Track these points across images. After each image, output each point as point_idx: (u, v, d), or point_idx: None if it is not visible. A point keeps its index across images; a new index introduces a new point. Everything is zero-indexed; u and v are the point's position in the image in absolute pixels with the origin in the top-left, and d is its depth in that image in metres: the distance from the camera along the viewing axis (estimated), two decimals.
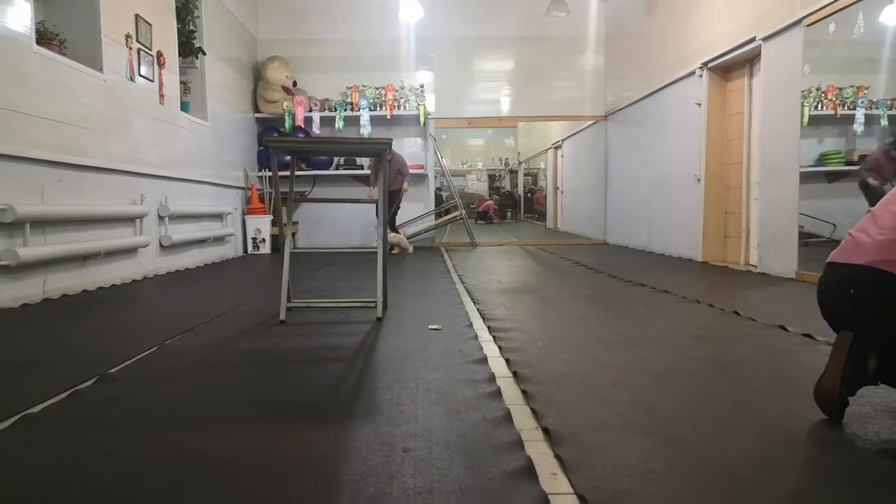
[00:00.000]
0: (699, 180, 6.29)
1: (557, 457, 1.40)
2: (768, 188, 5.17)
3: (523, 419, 1.67)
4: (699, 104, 6.28)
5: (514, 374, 2.12)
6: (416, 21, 8.87)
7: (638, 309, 3.47)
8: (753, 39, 5.30)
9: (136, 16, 5.10)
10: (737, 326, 2.95)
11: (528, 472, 1.31)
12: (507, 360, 2.31)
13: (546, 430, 1.56)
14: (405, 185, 8.09)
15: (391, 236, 7.01)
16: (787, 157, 4.88)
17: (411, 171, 8.81)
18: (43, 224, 3.91)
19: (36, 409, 1.77)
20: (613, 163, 9.25)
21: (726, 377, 2.09)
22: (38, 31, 3.95)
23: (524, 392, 1.90)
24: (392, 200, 7.37)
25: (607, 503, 1.17)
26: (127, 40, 4.93)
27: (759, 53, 5.30)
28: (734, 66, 5.99)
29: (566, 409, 1.72)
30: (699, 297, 3.82)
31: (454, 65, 9.18)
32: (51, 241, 3.99)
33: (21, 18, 3.74)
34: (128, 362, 2.32)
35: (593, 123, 9.76)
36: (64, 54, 4.21)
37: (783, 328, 2.85)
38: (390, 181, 6.73)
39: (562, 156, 13.34)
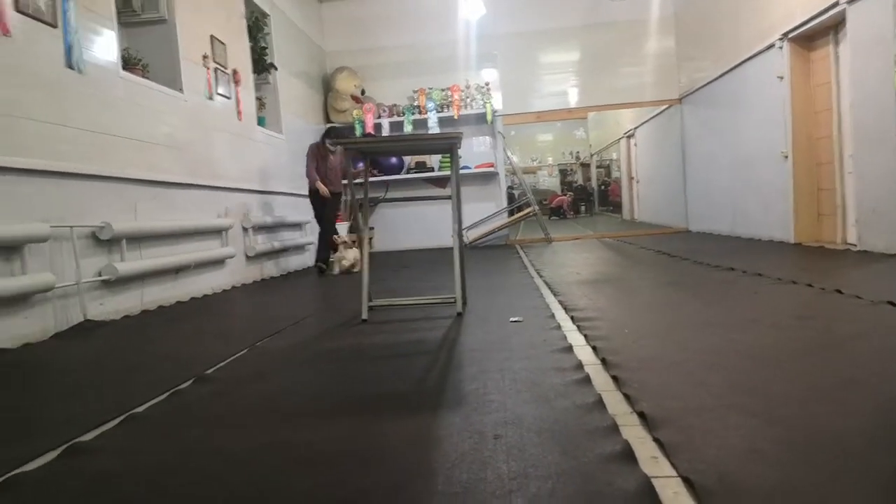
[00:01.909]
0: (786, 157, 5.95)
1: (656, 440, 1.34)
2: (864, 161, 4.82)
3: (616, 404, 1.61)
4: (781, 77, 5.95)
5: (603, 360, 2.05)
6: (479, 19, 8.85)
7: (729, 292, 3.31)
8: (837, 4, 4.96)
9: (212, 36, 5.32)
10: (841, 305, 2.76)
11: (627, 455, 1.26)
12: (594, 348, 2.24)
13: (642, 415, 1.50)
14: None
15: (340, 254, 6.10)
16: (884, 126, 4.53)
17: (480, 169, 8.79)
18: (138, 240, 4.12)
19: (140, 409, 1.85)
20: (691, 147, 8.90)
21: (833, 355, 1.95)
22: (122, 58, 4.18)
23: (614, 378, 1.84)
24: (332, 204, 6.29)
25: (715, 484, 1.10)
26: (204, 60, 5.15)
27: (844, 18, 4.96)
28: (817, 35, 5.63)
29: (661, 393, 1.65)
30: (795, 277, 3.60)
31: (519, 60, 9.10)
32: (145, 255, 4.20)
33: (108, 47, 3.97)
34: (221, 364, 2.40)
35: (667, 108, 9.44)
36: (147, 78, 4.44)
37: (893, 304, 2.64)
38: (332, 181, 6.19)
39: (635, 144, 12.98)
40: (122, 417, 1.77)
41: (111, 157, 3.91)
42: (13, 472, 1.39)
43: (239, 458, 1.43)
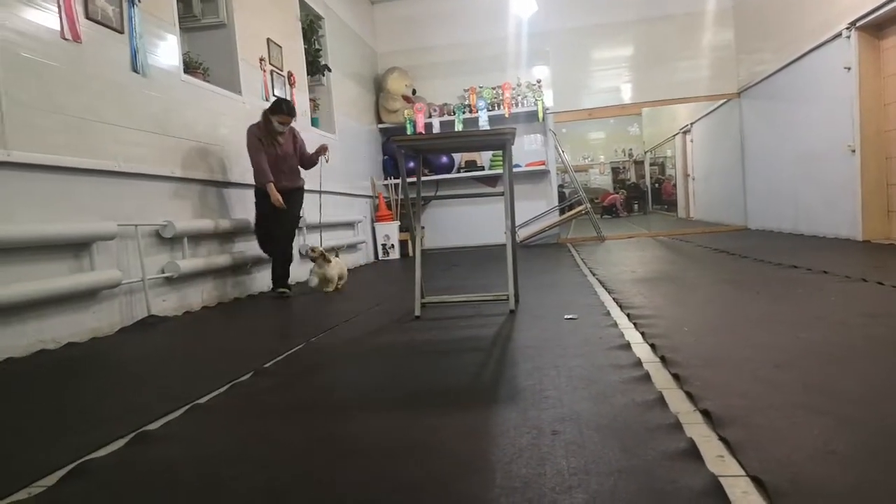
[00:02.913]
0: (853, 151, 5.69)
1: (722, 439, 1.30)
2: None
3: (678, 402, 1.57)
4: (848, 68, 5.69)
5: (662, 358, 2.00)
6: (530, 16, 8.78)
7: (794, 291, 3.18)
8: None
9: (268, 39, 5.44)
10: None
11: (692, 454, 1.22)
12: (653, 346, 2.19)
13: (706, 413, 1.45)
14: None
15: (321, 270, 4.65)
16: None
17: (531, 167, 8.72)
18: (198, 238, 4.25)
19: (203, 400, 1.90)
20: (751, 142, 8.61)
21: None
22: (184, 62, 4.32)
23: (675, 376, 1.79)
24: (291, 206, 4.55)
25: (787, 485, 1.06)
26: (261, 63, 5.28)
27: None
28: (888, 23, 5.36)
29: (725, 392, 1.59)
30: (865, 275, 3.44)
31: (571, 56, 8.98)
32: (205, 253, 4.33)
33: (171, 51, 4.11)
34: (279, 358, 2.45)
35: (725, 102, 9.15)
36: (207, 80, 4.57)
37: None
38: (286, 174, 4.57)
39: (691, 140, 12.64)
40: (186, 407, 1.82)
41: (173, 158, 4.04)
42: (85, 458, 1.45)
43: (296, 448, 1.45)
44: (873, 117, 5.57)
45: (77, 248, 3.20)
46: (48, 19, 3.09)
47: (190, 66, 4.46)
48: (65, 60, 3.18)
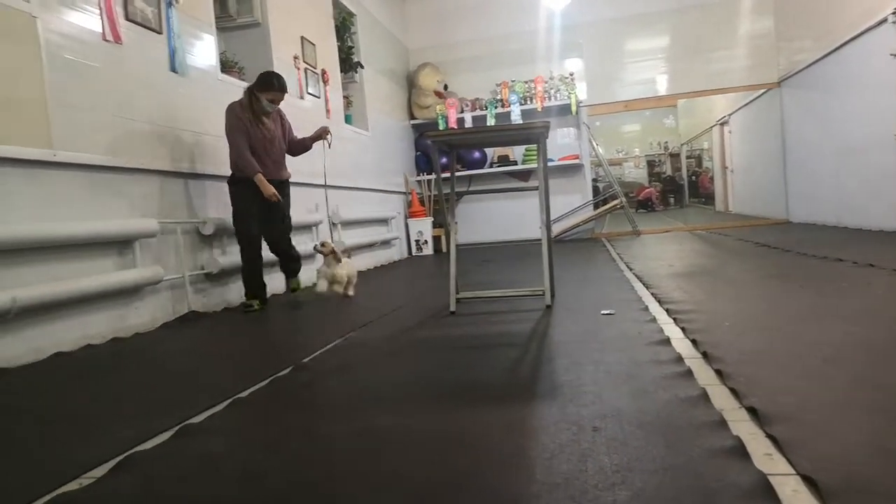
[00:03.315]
0: None
1: (770, 436, 1.26)
2: None
3: (722, 399, 1.53)
4: (894, 55, 5.49)
5: (704, 354, 1.95)
6: (562, 8, 8.68)
7: (840, 285, 3.09)
8: None
9: (302, 37, 5.49)
10: None
11: (738, 451, 1.19)
12: (694, 342, 2.14)
13: (752, 410, 1.41)
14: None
15: (330, 269, 3.98)
16: None
17: (564, 161, 8.63)
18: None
19: (244, 394, 1.93)
20: (792, 132, 8.38)
21: None
22: (220, 61, 4.38)
23: (718, 372, 1.75)
24: (278, 200, 3.90)
25: (841, 484, 1.02)
26: (295, 61, 5.33)
27: None
28: None
29: (772, 388, 1.55)
30: None
31: (604, 48, 8.85)
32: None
33: (208, 51, 4.17)
34: (317, 353, 2.47)
35: (765, 92, 8.92)
36: (243, 79, 4.63)
37: None
38: (274, 162, 3.99)
39: (729, 132, 12.37)
40: (228, 401, 1.85)
41: (211, 156, 4.10)
42: (132, 451, 1.48)
43: (336, 441, 1.46)
44: None
45: (121, 245, 3.28)
46: (90, 21, 3.17)
47: (226, 66, 4.53)
48: (106, 61, 3.25)
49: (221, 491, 1.24)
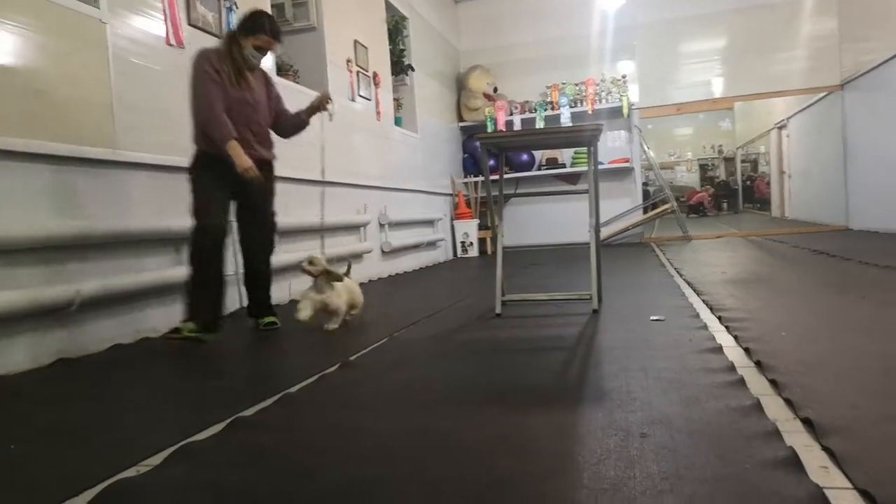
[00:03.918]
0: None
1: (826, 449, 1.22)
2: None
3: (777, 409, 1.49)
4: None
5: (758, 363, 1.90)
6: (616, 10, 8.57)
7: None
8: None
9: (355, 41, 5.58)
10: None
11: (793, 463, 1.16)
12: (747, 350, 2.09)
13: (808, 421, 1.37)
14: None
15: (317, 294, 2.98)
16: None
17: (614, 165, 8.50)
18: (286, 234, 4.41)
19: (293, 390, 1.97)
20: (854, 137, 8.06)
21: None
22: (276, 65, 4.49)
23: (772, 382, 1.70)
24: (262, 186, 2.98)
25: None
26: (347, 64, 5.41)
27: None
28: None
29: (830, 400, 1.50)
30: None
31: (659, 49, 8.69)
32: (293, 249, 4.48)
33: (266, 56, 4.27)
34: (363, 351, 2.51)
35: (826, 95, 8.61)
36: (297, 82, 4.73)
37: None
38: (256, 136, 3.03)
39: (787, 136, 11.99)
40: (278, 396, 1.90)
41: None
42: (187, 441, 1.53)
43: (382, 440, 1.48)
44: None
45: (177, 242, 3.38)
46: (155, 26, 3.29)
47: (282, 69, 4.63)
48: (169, 65, 3.37)
49: (272, 485, 1.26)
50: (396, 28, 6.74)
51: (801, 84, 8.43)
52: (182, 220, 3.33)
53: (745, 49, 8.47)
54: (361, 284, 3.95)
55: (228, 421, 1.67)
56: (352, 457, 1.38)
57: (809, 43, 8.27)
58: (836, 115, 8.38)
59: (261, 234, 3.19)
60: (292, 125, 3.31)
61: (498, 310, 3.20)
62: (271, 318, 3.22)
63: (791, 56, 8.33)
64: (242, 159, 2.78)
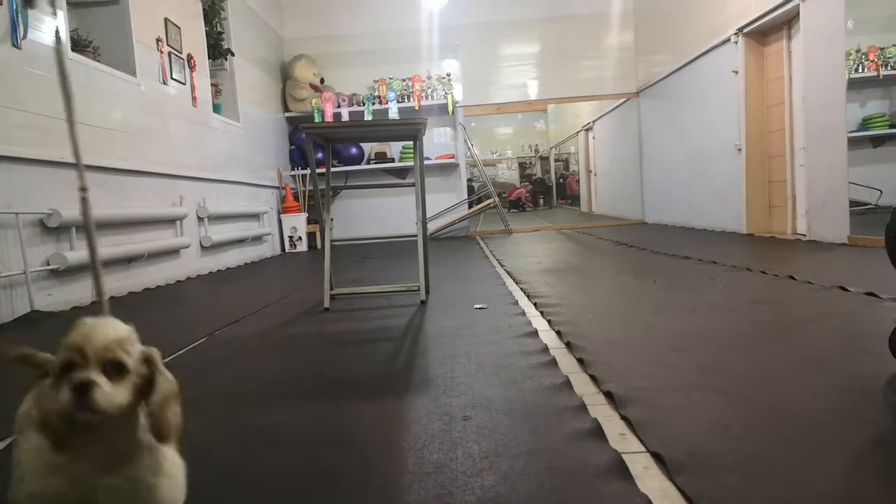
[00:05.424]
0: (740, 150, 6.11)
1: (624, 418, 1.36)
2: (815, 154, 4.98)
3: (583, 385, 1.62)
4: (736, 72, 6.10)
5: (568, 344, 2.07)
6: (440, 9, 8.81)
7: (687, 279, 3.38)
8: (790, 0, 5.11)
9: (166, 19, 5.15)
10: (794, 290, 2.84)
11: (596, 433, 1.27)
12: (559, 333, 2.26)
13: (609, 394, 1.51)
14: None
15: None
16: (834, 121, 4.69)
17: (441, 160, 8.76)
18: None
19: None
20: (648, 140, 9.07)
21: (792, 337, 2.00)
22: (72, 39, 4.01)
23: (580, 360, 1.85)
24: None
25: (684, 458, 1.12)
26: (158, 44, 4.99)
27: (798, 14, 5.11)
28: (771, 30, 5.79)
29: (627, 374, 1.67)
30: (749, 265, 3.70)
31: (480, 51, 9.09)
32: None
33: (57, 27, 3.80)
34: (181, 351, 2.34)
35: (625, 101, 9.58)
36: (98, 60, 4.27)
37: (844, 289, 2.74)
38: None
39: (593, 138, 13.15)
40: None
41: (60, 142, 3.75)
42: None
43: (204, 442, 1.39)
44: (758, 118, 6.00)
45: None
46: None
47: (79, 44, 4.15)
48: None
49: None
50: (213, 8, 6.33)
51: (605, 90, 9.31)
52: None
53: (556, 55, 9.15)
54: (178, 282, 3.66)
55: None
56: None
57: (612, 53, 9.14)
58: (633, 119, 9.37)
59: None
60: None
61: (327, 304, 3.15)
62: None
63: (597, 64, 9.15)
64: None
